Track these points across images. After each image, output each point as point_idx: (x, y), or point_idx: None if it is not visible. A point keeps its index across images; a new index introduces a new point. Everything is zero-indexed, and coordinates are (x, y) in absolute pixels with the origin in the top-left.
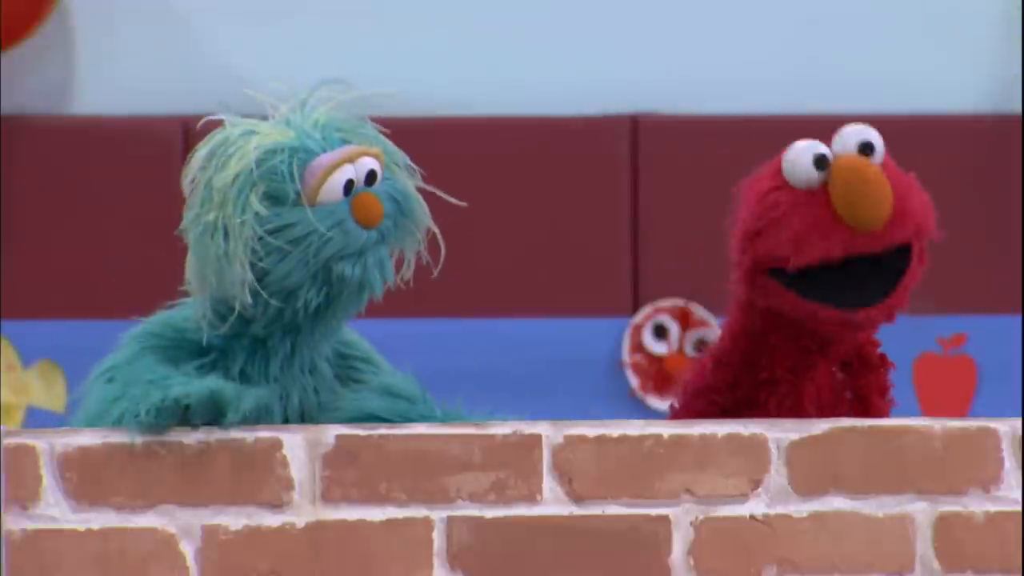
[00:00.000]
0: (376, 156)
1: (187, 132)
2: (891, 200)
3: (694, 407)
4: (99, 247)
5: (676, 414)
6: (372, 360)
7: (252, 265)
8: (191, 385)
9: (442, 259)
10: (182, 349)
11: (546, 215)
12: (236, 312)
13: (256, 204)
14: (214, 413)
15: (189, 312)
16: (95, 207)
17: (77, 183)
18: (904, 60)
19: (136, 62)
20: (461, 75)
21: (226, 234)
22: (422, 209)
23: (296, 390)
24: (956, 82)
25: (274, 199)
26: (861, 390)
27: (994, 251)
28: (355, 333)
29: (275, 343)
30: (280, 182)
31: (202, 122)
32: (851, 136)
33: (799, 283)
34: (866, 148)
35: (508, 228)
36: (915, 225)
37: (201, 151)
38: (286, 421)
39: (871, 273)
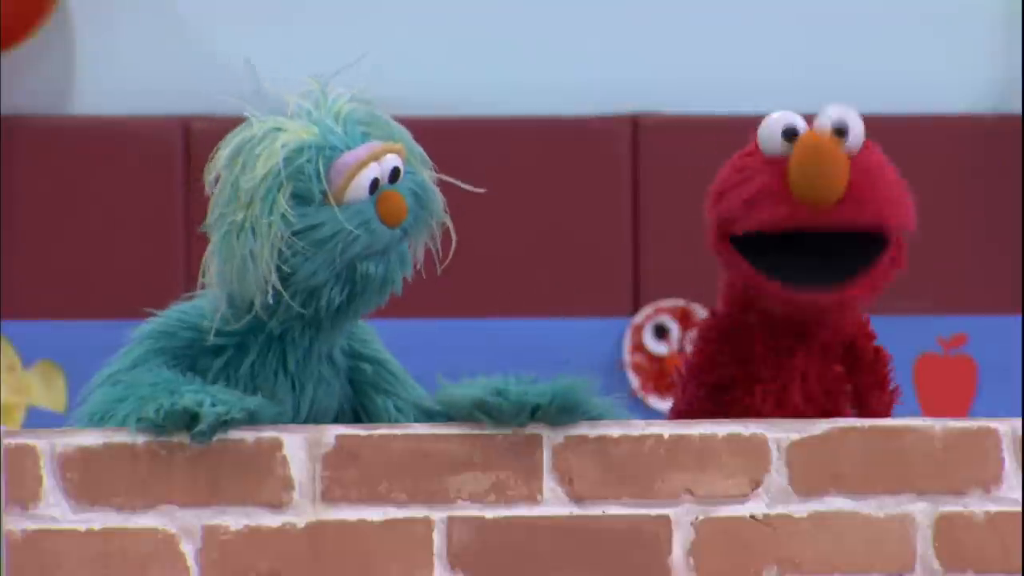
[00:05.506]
0: (398, 152)
1: (187, 132)
2: (844, 181)
3: (687, 387)
4: (99, 247)
5: (675, 396)
6: (381, 361)
7: (278, 267)
8: (202, 395)
9: (452, 251)
10: (199, 346)
11: (547, 215)
12: (253, 311)
13: (284, 205)
14: (221, 426)
15: (205, 304)
16: (95, 207)
17: (77, 183)
18: (904, 60)
19: (136, 62)
20: (461, 75)
21: (254, 234)
22: (439, 201)
23: (311, 381)
24: (956, 82)
25: (301, 199)
26: (857, 387)
27: (994, 251)
28: (370, 331)
29: (294, 338)
30: (307, 182)
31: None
32: (829, 116)
33: (760, 255)
34: (840, 130)
35: (508, 228)
36: (874, 214)
37: (225, 150)
38: (297, 412)
39: (839, 260)
